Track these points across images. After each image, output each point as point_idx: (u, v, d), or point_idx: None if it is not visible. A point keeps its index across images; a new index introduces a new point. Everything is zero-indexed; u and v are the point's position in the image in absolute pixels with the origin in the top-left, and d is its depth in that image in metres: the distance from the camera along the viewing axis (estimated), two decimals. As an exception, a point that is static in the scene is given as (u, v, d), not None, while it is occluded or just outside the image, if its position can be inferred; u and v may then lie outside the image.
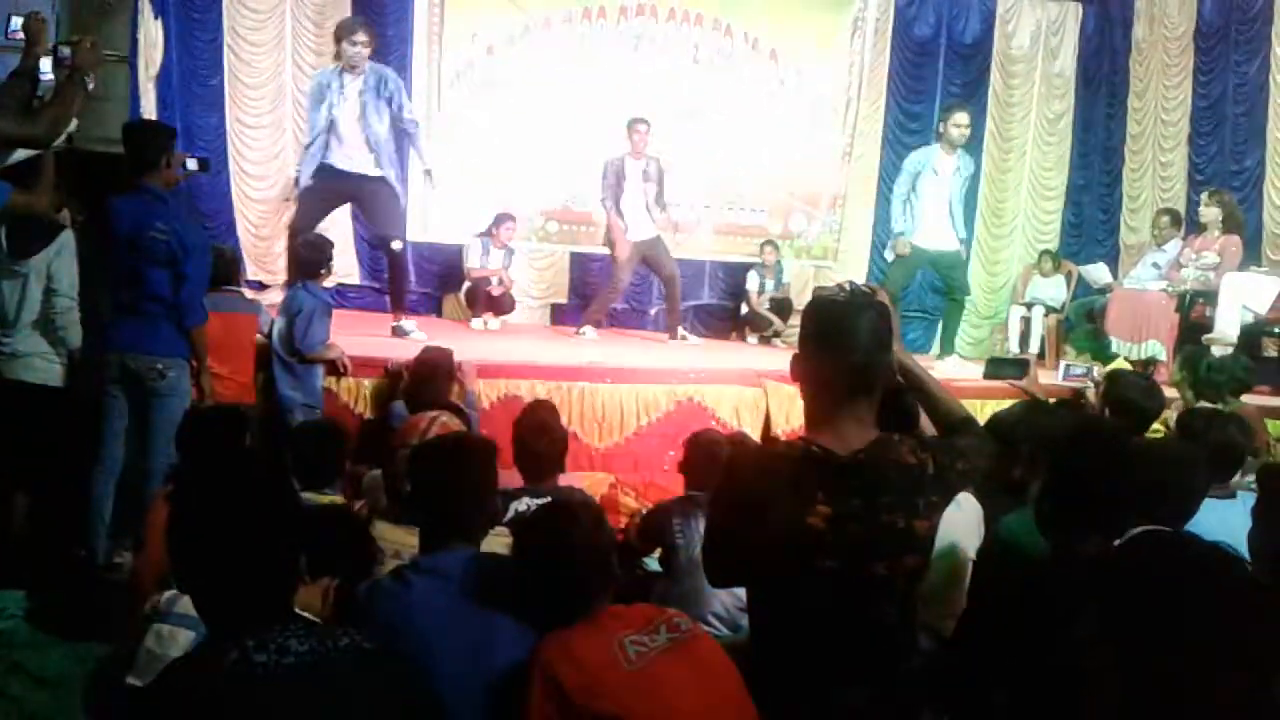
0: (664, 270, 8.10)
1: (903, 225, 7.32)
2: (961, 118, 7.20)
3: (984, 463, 2.25)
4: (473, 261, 8.39)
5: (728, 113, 9.33)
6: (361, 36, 6.42)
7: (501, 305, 8.37)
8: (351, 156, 6.49)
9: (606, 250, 8.18)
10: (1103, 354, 7.18)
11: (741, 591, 2.17)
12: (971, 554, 3.10)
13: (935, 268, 7.59)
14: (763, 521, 1.97)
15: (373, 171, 6.53)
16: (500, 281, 8.34)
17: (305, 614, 1.85)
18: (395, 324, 6.85)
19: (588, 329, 7.97)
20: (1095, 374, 5.75)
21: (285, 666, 1.60)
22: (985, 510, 3.10)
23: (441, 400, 4.71)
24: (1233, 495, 3.30)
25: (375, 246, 8.85)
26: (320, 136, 6.46)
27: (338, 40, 6.51)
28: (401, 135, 6.75)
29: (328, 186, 6.56)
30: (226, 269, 5.29)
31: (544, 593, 2.17)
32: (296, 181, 6.76)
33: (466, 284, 8.48)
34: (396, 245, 6.70)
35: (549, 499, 3.43)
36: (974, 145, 9.70)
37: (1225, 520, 2.94)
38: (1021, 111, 9.97)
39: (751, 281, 9.20)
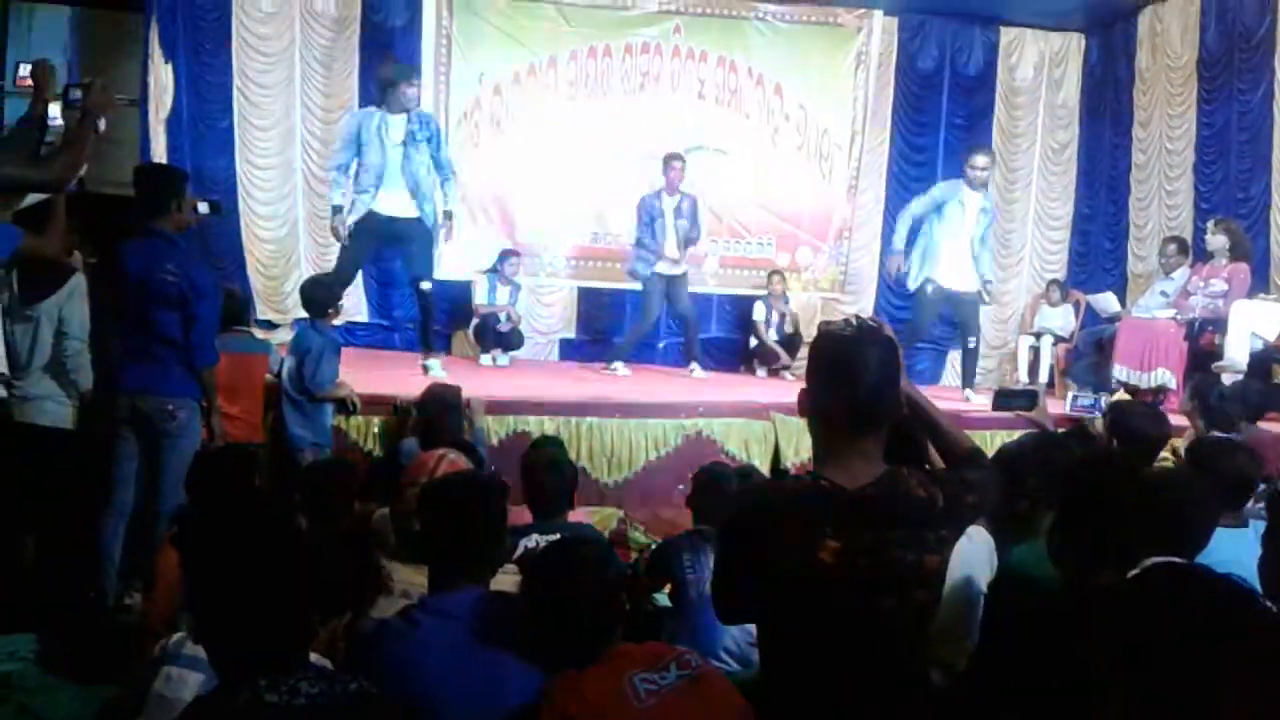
0: (681, 306, 8.18)
1: (901, 243, 7.43)
2: (980, 160, 7.25)
3: (994, 495, 2.24)
4: (481, 298, 8.44)
5: (734, 147, 9.39)
6: (418, 79, 6.63)
7: (510, 341, 8.39)
8: (395, 200, 6.60)
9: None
10: (1104, 387, 7.15)
11: (753, 626, 2.16)
12: (983, 587, 3.08)
13: (951, 305, 7.63)
14: (772, 557, 1.97)
15: (413, 214, 6.65)
16: (508, 318, 8.37)
17: (320, 663, 1.86)
18: (424, 362, 6.91)
19: (618, 364, 8.00)
20: (1102, 404, 5.74)
21: (296, 707, 1.60)
22: (995, 542, 3.09)
23: (454, 437, 4.70)
24: (1245, 524, 3.28)
25: (383, 284, 8.93)
26: (365, 184, 6.57)
27: (391, 83, 6.60)
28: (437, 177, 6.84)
29: (372, 232, 6.69)
30: (236, 309, 5.33)
31: (552, 632, 2.16)
32: (335, 231, 6.79)
33: (475, 320, 8.51)
34: (426, 286, 6.77)
35: (558, 535, 3.43)
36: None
37: (1237, 550, 2.92)
38: (1026, 142, 10.01)
39: (759, 313, 9.21)
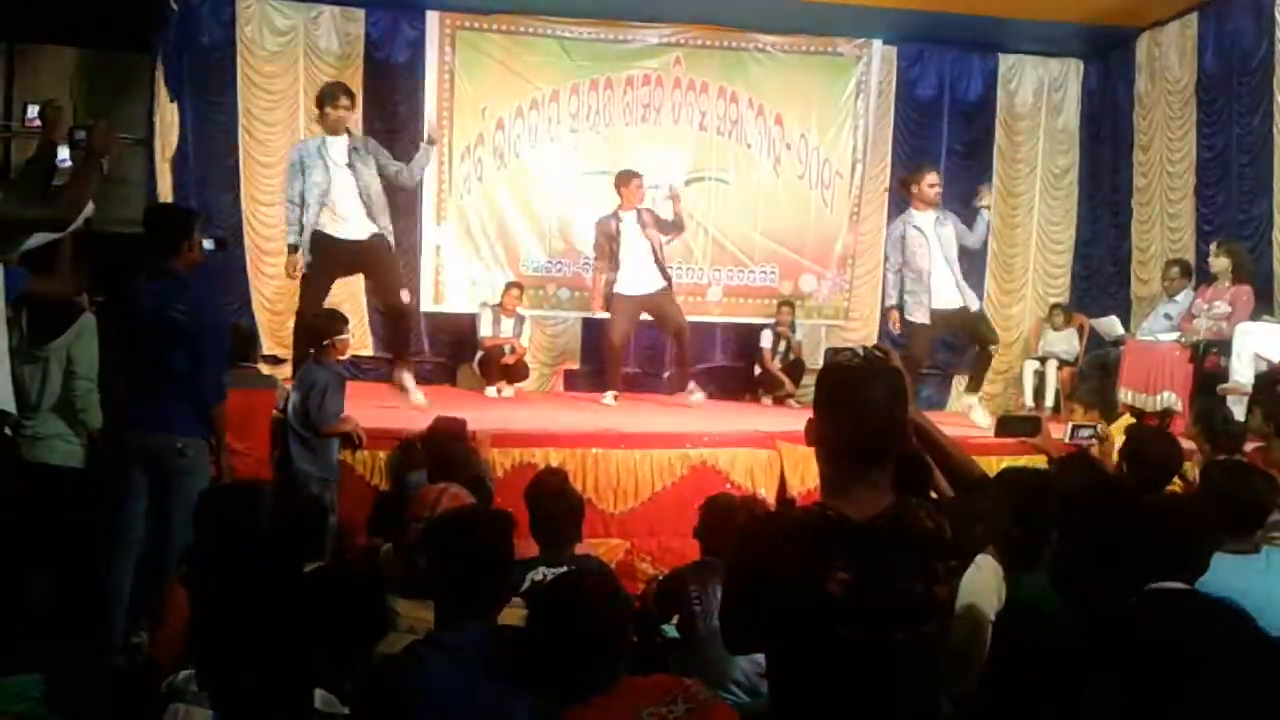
0: (671, 323, 8.03)
1: (895, 299, 7.36)
2: (933, 177, 7.26)
3: (1002, 524, 2.25)
4: (485, 330, 8.48)
5: (735, 177, 9.44)
6: (345, 100, 6.48)
7: (515, 374, 8.41)
8: (347, 220, 6.47)
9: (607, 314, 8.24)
10: (1109, 411, 7.14)
11: (762, 657, 2.16)
12: (990, 615, 3.07)
13: (951, 327, 7.62)
14: (780, 588, 1.97)
15: (368, 232, 6.51)
16: (513, 350, 8.39)
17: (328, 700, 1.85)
18: (399, 375, 6.86)
19: (609, 395, 7.92)
20: (1099, 431, 5.74)
21: None
22: (1004, 570, 3.08)
23: (462, 471, 4.69)
24: (1257, 550, 3.26)
25: (385, 315, 8.95)
26: (312, 208, 6.43)
27: (320, 105, 6.53)
28: (392, 190, 6.74)
29: (329, 259, 6.56)
30: (243, 345, 5.35)
31: (559, 666, 2.16)
32: (289, 269, 6.75)
33: (480, 353, 8.53)
34: (405, 296, 6.72)
35: (565, 569, 3.43)
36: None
37: (1247, 577, 2.90)
38: (1027, 168, 10.04)
39: (766, 340, 9.22)
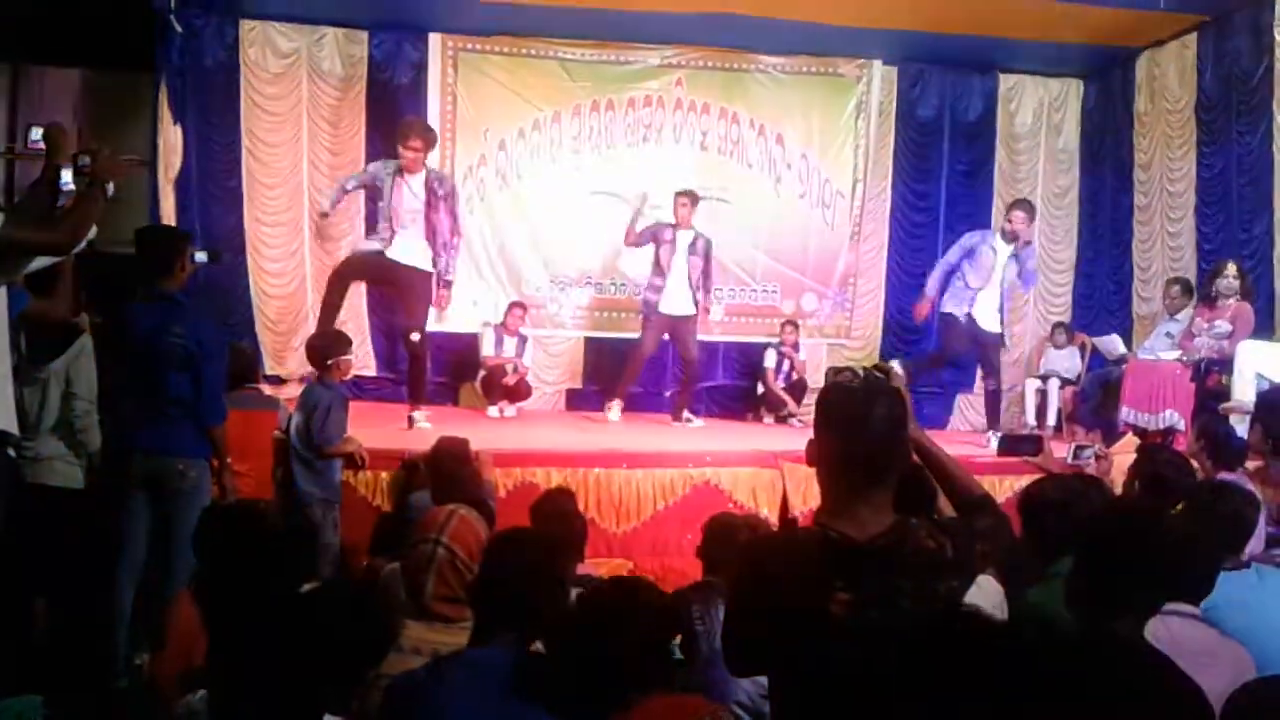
0: (686, 352, 8.19)
1: (933, 292, 7.69)
2: (1015, 214, 7.60)
3: (1005, 542, 2.24)
4: (487, 350, 8.49)
5: (737, 197, 9.46)
6: (414, 142, 6.75)
7: (518, 393, 8.41)
8: (409, 248, 6.77)
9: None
10: (1110, 431, 7.15)
11: (764, 679, 2.16)
12: (993, 635, 3.06)
13: (978, 345, 7.79)
14: (782, 610, 1.96)
15: (423, 266, 6.84)
16: (515, 369, 8.40)
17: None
18: (410, 414, 6.95)
19: (615, 403, 7.96)
20: (1098, 450, 5.74)
21: None
22: (1005, 589, 3.08)
23: (466, 492, 4.68)
24: (1247, 565, 3.28)
25: (391, 338, 8.97)
26: (382, 224, 6.83)
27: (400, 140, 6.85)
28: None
29: (371, 267, 6.97)
30: (245, 366, 5.37)
31: (595, 683, 2.17)
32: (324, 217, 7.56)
33: (482, 373, 8.54)
34: (415, 336, 6.80)
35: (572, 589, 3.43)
36: (982, 222, 9.85)
37: (1241, 592, 2.93)
38: (1028, 187, 10.04)
39: (769, 360, 9.22)
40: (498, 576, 2.44)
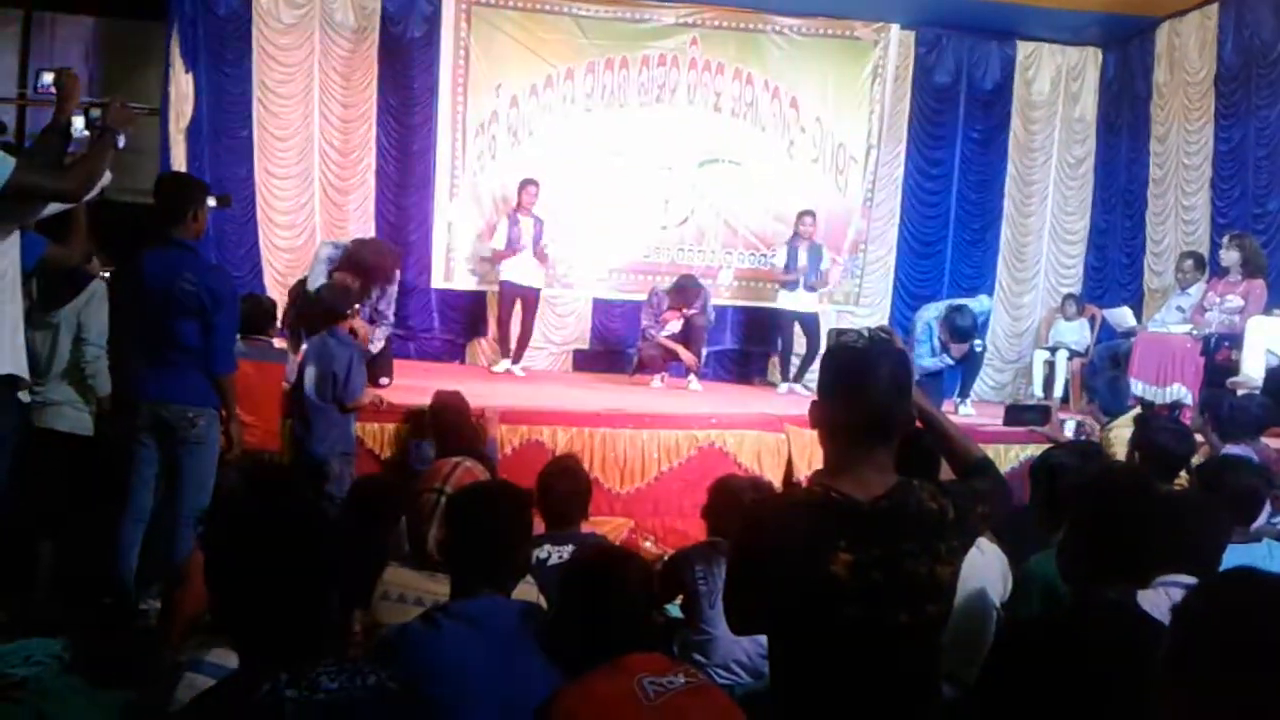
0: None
1: None
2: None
3: (1005, 505, 2.25)
4: (498, 243, 8.33)
5: (749, 159, 9.42)
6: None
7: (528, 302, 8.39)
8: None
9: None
10: (1119, 405, 7.12)
11: (764, 638, 2.17)
12: (995, 599, 3.08)
13: None
14: (784, 569, 1.97)
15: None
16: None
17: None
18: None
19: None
20: (1086, 426, 5.75)
21: (315, 703, 1.62)
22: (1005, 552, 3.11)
23: (467, 444, 4.71)
24: (1258, 539, 3.28)
25: (400, 293, 8.94)
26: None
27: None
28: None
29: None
30: (261, 317, 5.36)
31: (591, 638, 2.20)
32: None
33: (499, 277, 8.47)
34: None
35: (571, 546, 3.46)
36: (995, 189, 9.78)
37: (1255, 565, 2.92)
38: (1043, 156, 10.00)
39: (780, 258, 9.05)
40: (459, 534, 2.45)
